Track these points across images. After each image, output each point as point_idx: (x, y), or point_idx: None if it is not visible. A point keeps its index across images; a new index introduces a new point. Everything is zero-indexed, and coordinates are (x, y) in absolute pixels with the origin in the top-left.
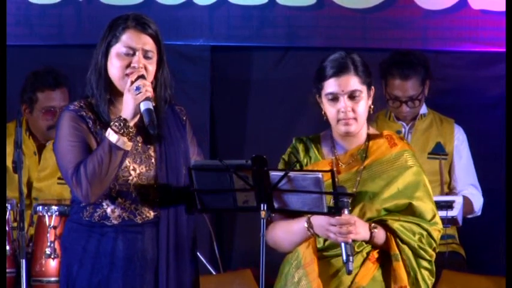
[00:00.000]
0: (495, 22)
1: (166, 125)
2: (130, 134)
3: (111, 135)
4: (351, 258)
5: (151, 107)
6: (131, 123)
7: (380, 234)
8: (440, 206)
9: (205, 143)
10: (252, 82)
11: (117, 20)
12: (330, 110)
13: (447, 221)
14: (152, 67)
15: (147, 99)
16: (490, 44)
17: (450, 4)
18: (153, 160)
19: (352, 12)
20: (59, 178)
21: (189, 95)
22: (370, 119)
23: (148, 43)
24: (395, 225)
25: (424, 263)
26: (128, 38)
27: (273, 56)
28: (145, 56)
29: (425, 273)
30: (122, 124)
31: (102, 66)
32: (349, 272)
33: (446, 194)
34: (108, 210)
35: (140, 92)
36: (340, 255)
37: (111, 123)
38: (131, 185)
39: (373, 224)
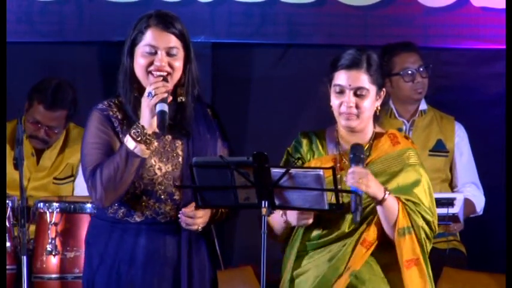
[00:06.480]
0: (496, 19)
1: (196, 123)
2: (148, 142)
3: (129, 142)
4: (359, 208)
5: (165, 109)
6: (149, 131)
7: (393, 200)
8: (441, 203)
9: None
10: (253, 79)
11: (141, 18)
12: (334, 102)
13: (448, 218)
14: (178, 63)
15: (161, 101)
16: (491, 42)
17: (451, 1)
18: (180, 159)
19: (353, 10)
20: (55, 178)
21: None
22: (377, 119)
23: (172, 41)
24: (402, 199)
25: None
26: (149, 37)
27: (274, 53)
28: (170, 54)
29: (427, 241)
30: (140, 131)
31: (128, 66)
32: (355, 222)
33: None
34: (132, 208)
35: (153, 97)
36: (334, 241)
37: (130, 130)
38: (156, 184)
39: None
